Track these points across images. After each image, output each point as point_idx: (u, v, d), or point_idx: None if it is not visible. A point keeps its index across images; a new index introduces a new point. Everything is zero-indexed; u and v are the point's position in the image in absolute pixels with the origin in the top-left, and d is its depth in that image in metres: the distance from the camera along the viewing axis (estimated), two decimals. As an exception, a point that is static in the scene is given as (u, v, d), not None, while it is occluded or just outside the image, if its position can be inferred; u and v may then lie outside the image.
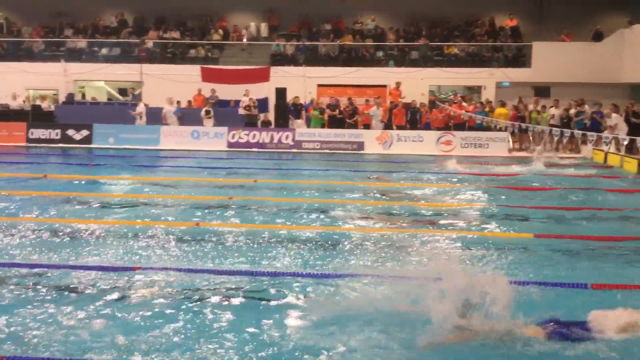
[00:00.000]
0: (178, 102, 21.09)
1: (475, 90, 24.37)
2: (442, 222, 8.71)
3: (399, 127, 20.49)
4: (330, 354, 4.15)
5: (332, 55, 24.41)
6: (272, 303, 5.22)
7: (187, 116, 20.88)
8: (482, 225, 8.58)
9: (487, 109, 20.58)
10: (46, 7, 26.13)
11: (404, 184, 12.29)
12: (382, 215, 9.09)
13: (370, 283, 5.58)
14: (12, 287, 5.51)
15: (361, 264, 6.45)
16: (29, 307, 5.02)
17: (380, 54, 24.66)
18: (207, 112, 20.49)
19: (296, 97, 21.77)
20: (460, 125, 20.47)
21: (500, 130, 19.28)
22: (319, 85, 23.49)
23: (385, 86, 23.03)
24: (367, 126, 20.74)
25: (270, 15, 26.62)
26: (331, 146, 19.73)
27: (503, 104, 20.62)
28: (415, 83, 22.85)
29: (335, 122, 20.94)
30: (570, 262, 6.62)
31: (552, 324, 4.34)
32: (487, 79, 23.53)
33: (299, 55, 24.65)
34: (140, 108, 20.81)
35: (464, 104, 21.51)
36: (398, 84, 22.13)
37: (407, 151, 18.90)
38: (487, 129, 19.84)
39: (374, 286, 5.46)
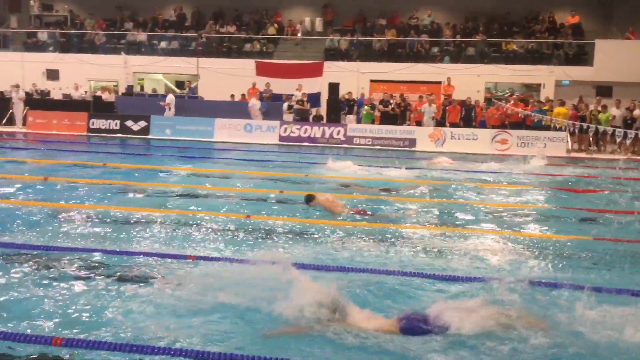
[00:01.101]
0: (263, 97, 21.25)
1: (533, 88, 23.69)
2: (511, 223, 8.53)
3: (453, 125, 20.16)
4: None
5: (386, 51, 24.21)
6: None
7: (241, 109, 21.14)
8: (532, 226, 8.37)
9: (545, 108, 19.98)
10: (109, 1, 26.95)
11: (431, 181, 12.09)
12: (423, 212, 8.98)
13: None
14: (71, 271, 5.73)
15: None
16: (89, 291, 5.22)
17: (435, 49, 24.30)
18: (290, 107, 20.81)
19: (349, 92, 21.73)
20: (517, 124, 19.96)
21: (559, 129, 18.70)
22: (372, 81, 23.36)
23: (439, 83, 22.68)
24: (419, 123, 20.50)
25: (326, 10, 26.62)
26: (382, 142, 19.61)
27: (562, 103, 19.96)
28: (471, 80, 22.42)
29: (387, 119, 20.78)
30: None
31: (406, 317, 4.38)
32: (547, 77, 22.85)
33: (353, 51, 24.57)
34: (169, 99, 21.21)
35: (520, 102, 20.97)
36: (449, 80, 21.78)
37: (460, 149, 18.56)
38: (545, 128, 19.28)
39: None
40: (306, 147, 19.23)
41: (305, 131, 20.19)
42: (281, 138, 20.13)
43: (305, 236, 7.36)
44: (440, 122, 20.37)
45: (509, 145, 18.91)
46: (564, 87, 22.71)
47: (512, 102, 20.76)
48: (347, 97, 21.68)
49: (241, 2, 26.55)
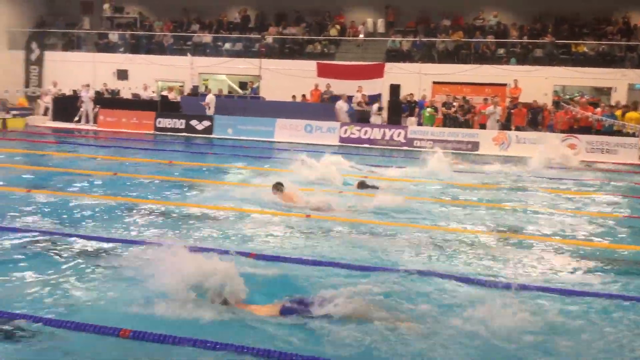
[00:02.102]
0: (349, 99, 21.31)
1: (604, 91, 22.69)
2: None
3: (518, 128, 19.60)
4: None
5: (449, 52, 23.80)
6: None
7: (301, 110, 21.27)
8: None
9: (617, 112, 19.12)
10: (176, 3, 27.72)
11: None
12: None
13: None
14: (134, 264, 5.89)
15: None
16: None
17: (501, 51, 23.69)
18: (380, 109, 20.78)
19: (410, 94, 21.50)
20: (586, 129, 19.18)
21: (631, 135, 17.86)
22: (434, 83, 23.00)
23: (504, 85, 22.09)
24: (483, 126, 20.04)
25: (388, 11, 26.44)
26: (444, 145, 19.24)
27: (635, 107, 19.05)
28: (538, 82, 21.70)
29: (450, 121, 20.43)
30: None
31: (287, 301, 4.74)
32: (618, 80, 21.82)
33: (415, 52, 24.29)
34: (209, 99, 21.60)
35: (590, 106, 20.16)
36: (515, 82, 21.18)
37: (526, 153, 17.95)
38: (616, 133, 18.45)
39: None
40: (366, 148, 19.14)
41: (365, 133, 20.11)
42: (341, 139, 20.12)
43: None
44: (505, 126, 19.84)
45: (577, 150, 18.21)
46: (637, 91, 21.65)
47: (581, 105, 19.99)
48: (408, 98, 21.45)
49: (304, 4, 26.73)
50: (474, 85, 22.70)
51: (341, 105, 20.72)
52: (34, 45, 26.34)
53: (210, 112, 21.51)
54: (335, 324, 4.45)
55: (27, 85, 26.06)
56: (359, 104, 21.15)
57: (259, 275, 5.55)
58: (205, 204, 8.83)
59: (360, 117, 21.06)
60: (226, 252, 5.92)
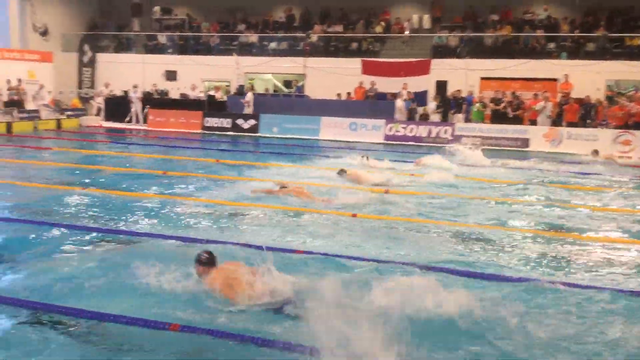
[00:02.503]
0: (408, 94, 21.16)
1: (660, 85, 21.79)
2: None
3: (570, 124, 19.02)
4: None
5: (498, 47, 23.29)
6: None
7: (346, 108, 21.25)
8: None
9: (675, 107, 18.31)
10: (223, 4, 28.09)
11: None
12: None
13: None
14: (182, 260, 5.99)
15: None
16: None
17: (551, 45, 23.03)
18: (438, 107, 20.57)
19: (457, 90, 21.16)
20: (642, 124, 18.45)
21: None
22: (482, 78, 22.54)
23: (555, 80, 21.46)
24: (533, 122, 19.54)
25: (434, 7, 26.09)
26: (492, 142, 18.91)
27: (696, 102, 18.22)
28: (590, 77, 20.97)
29: (499, 117, 20.00)
30: None
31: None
32: (675, 74, 20.90)
33: (462, 47, 23.88)
34: (248, 97, 21.95)
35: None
36: (566, 77, 20.54)
37: (578, 150, 17.43)
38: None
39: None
40: (412, 146, 18.94)
41: (411, 130, 19.92)
42: (386, 137, 19.99)
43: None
44: (556, 122, 19.29)
45: (632, 146, 17.54)
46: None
47: (636, 100, 19.23)
48: (455, 95, 21.11)
49: (348, 2, 26.66)
50: (523, 81, 22.14)
51: (400, 103, 20.53)
52: (86, 48, 27.16)
53: (249, 110, 21.80)
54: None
55: (80, 86, 26.91)
56: (404, 101, 20.95)
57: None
58: (249, 202, 8.92)
59: (406, 115, 20.83)
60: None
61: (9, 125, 19.70)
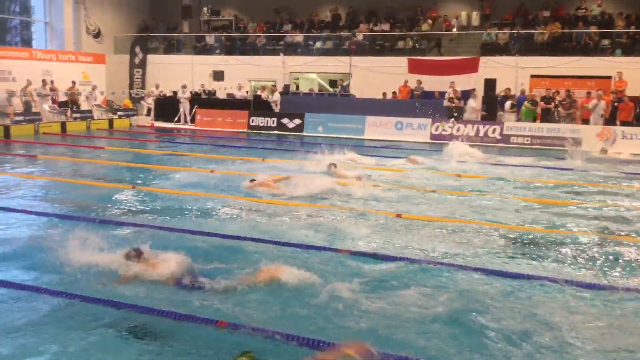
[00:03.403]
0: (455, 92, 20.86)
1: None
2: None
3: (624, 123, 18.33)
4: None
5: (549, 44, 22.66)
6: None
7: (392, 107, 21.09)
8: None
9: None
10: (269, 4, 28.33)
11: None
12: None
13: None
14: (227, 258, 6.04)
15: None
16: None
17: (605, 42, 22.25)
18: (512, 106, 19.94)
19: (507, 88, 20.71)
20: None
21: None
22: (533, 76, 21.98)
23: (609, 78, 20.72)
24: (585, 121, 18.93)
25: (483, 4, 25.62)
26: (542, 142, 18.41)
27: None
28: (648, 74, 20.18)
29: (550, 116, 19.45)
30: None
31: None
32: None
33: (512, 45, 23.35)
34: (275, 97, 22.42)
35: None
36: (620, 75, 19.79)
37: (634, 150, 16.78)
38: None
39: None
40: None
41: (458, 129, 19.60)
42: (432, 136, 19.74)
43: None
44: (609, 121, 18.63)
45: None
46: None
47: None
48: (504, 93, 20.66)
49: (395, 0, 26.47)
50: (575, 79, 21.48)
51: (472, 104, 20.22)
52: (137, 49, 27.86)
53: (276, 109, 22.30)
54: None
55: (131, 87, 27.63)
56: (450, 99, 20.63)
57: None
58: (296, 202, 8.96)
59: (452, 114, 20.51)
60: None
61: (63, 125, 20.40)
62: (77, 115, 21.74)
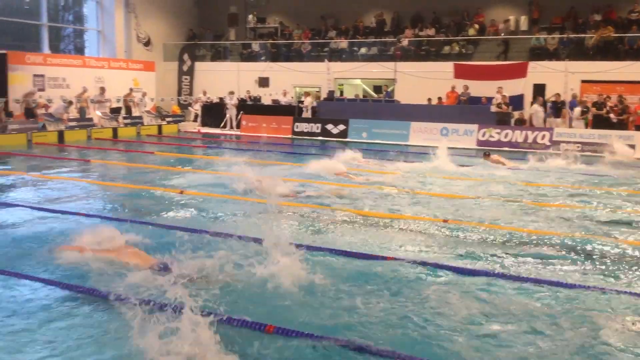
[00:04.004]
0: (503, 98, 20.49)
1: None
2: None
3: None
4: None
5: (600, 48, 22.01)
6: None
7: (437, 113, 20.88)
8: None
9: None
10: (315, 11, 28.51)
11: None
12: None
13: None
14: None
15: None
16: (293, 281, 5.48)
17: (661, 45, 21.47)
18: (583, 112, 19.25)
19: (556, 94, 20.22)
20: None
21: None
22: (583, 81, 21.39)
23: (665, 82, 19.98)
24: (639, 127, 18.30)
25: (532, 8, 25.11)
26: (594, 148, 17.87)
27: None
28: None
29: (601, 122, 18.89)
30: None
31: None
32: None
33: (562, 49, 22.79)
34: (307, 102, 22.93)
35: None
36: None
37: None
38: None
39: None
40: (506, 152, 18.27)
41: (506, 135, 19.25)
42: (479, 142, 19.44)
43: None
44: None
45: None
46: None
47: None
48: (553, 99, 20.18)
49: (441, 5, 26.24)
50: (628, 84, 20.79)
51: (537, 109, 19.87)
52: (185, 57, 28.48)
53: (307, 114, 22.86)
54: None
55: (179, 93, 28.25)
56: (498, 105, 20.28)
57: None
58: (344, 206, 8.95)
59: (500, 119, 20.17)
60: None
61: (114, 131, 21.01)
62: (128, 121, 22.34)
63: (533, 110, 19.77)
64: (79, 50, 27.61)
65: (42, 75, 21.64)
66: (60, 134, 18.92)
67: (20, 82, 20.81)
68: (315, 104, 23.74)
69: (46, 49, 24.48)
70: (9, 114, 19.65)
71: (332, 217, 8.39)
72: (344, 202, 9.39)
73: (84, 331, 4.43)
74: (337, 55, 26.28)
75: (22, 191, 10.14)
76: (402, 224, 8.02)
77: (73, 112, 21.17)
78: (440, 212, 8.77)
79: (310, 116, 22.94)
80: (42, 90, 21.21)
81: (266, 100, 25.39)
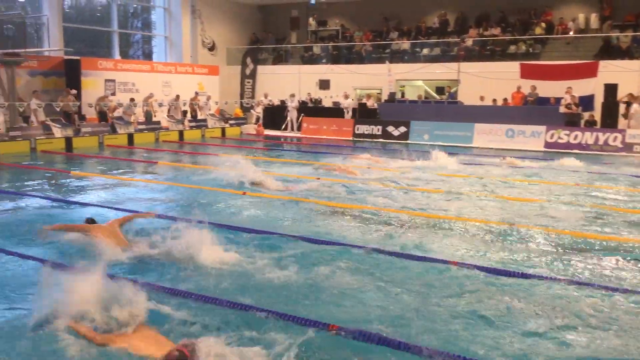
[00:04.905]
0: (572, 99, 19.63)
1: None
2: None
3: None
4: None
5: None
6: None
7: (503, 114, 20.34)
8: None
9: None
10: (376, 13, 28.40)
11: None
12: None
13: None
14: (340, 264, 6.05)
15: None
16: (361, 285, 5.46)
17: None
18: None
19: (629, 94, 19.30)
20: None
21: None
22: (660, 81, 20.33)
23: None
24: None
25: (603, 5, 24.10)
26: (670, 151, 16.96)
27: None
28: None
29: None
30: None
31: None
32: None
33: (635, 48, 21.74)
34: (347, 103, 23.20)
35: None
36: None
37: None
38: None
39: None
40: (575, 154, 17.58)
41: (575, 137, 18.52)
42: (547, 144, 18.80)
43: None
44: None
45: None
46: None
47: None
48: (627, 99, 19.25)
49: (507, 3, 25.58)
50: None
51: (638, 110, 19.06)
52: (248, 61, 28.98)
53: (348, 115, 23.12)
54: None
55: (242, 96, 28.77)
56: (567, 106, 19.54)
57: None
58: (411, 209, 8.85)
59: (569, 120, 19.44)
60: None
61: (180, 133, 21.61)
62: (193, 124, 22.94)
63: (633, 111, 18.65)
64: (147, 55, 28.60)
65: (113, 80, 22.55)
66: (130, 137, 19.63)
67: (92, 86, 21.76)
68: (375, 105, 23.63)
69: (117, 55, 25.48)
70: (82, 117, 20.58)
71: (403, 221, 8.30)
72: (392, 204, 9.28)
73: None
74: (398, 57, 26.08)
75: (94, 191, 10.55)
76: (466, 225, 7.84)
77: (140, 116, 21.93)
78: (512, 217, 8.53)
79: (350, 117, 22.94)
80: (113, 94, 22.09)
81: (327, 103, 25.48)
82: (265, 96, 26.44)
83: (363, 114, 23.10)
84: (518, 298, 5.17)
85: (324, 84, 26.71)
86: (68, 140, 17.85)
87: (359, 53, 27.53)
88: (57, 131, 18.08)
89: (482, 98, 21.74)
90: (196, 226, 6.39)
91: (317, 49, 28.88)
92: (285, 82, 26.89)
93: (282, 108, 25.05)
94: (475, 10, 26.49)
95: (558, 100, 19.99)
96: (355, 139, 21.88)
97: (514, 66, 21.76)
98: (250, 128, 25.06)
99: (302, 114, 23.97)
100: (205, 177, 11.89)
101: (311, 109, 24.61)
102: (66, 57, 21.88)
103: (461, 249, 6.80)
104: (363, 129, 22.15)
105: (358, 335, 4.28)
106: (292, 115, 24.31)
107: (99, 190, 10.69)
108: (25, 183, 11.46)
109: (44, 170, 13.36)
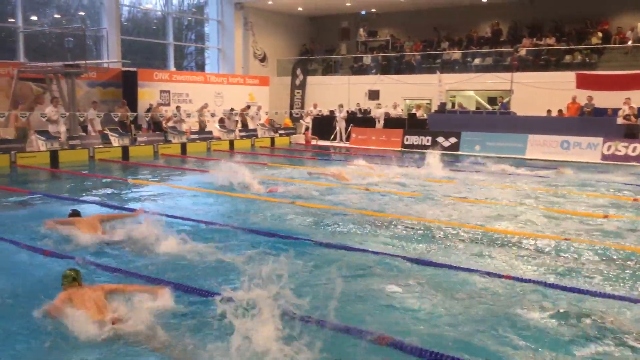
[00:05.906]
0: (631, 109, 19.26)
1: None
2: None
3: None
4: None
5: None
6: None
7: (558, 125, 19.84)
8: None
9: None
10: (426, 23, 28.25)
11: None
12: None
13: None
14: (384, 274, 6.04)
15: None
16: (407, 296, 5.43)
17: None
18: None
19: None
20: None
21: None
22: None
23: None
24: None
25: (664, 13, 23.26)
26: None
27: None
28: None
29: None
30: None
31: None
32: None
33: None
34: (379, 113, 23.27)
35: None
36: None
37: None
38: None
39: None
40: (635, 167, 16.99)
41: (634, 149, 17.88)
42: (604, 157, 18.22)
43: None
44: None
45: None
46: None
47: None
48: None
49: (562, 13, 25.00)
50: None
51: None
52: (298, 71, 29.28)
53: (379, 125, 23.19)
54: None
55: (291, 107, 29.07)
56: (625, 117, 18.89)
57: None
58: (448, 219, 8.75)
59: (627, 132, 18.78)
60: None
61: (231, 143, 22.01)
62: (244, 133, 23.31)
63: None
64: (200, 67, 29.30)
65: (168, 91, 23.20)
66: (183, 146, 20.12)
67: (148, 97, 22.45)
68: (425, 115, 23.44)
69: (172, 67, 26.22)
70: (138, 127, 21.24)
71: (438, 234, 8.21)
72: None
73: None
74: (449, 67, 25.83)
75: (149, 199, 10.85)
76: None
77: (195, 125, 22.46)
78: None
79: (382, 127, 23.08)
80: (167, 105, 22.71)
81: (376, 113, 25.42)
82: (315, 106, 26.64)
83: (412, 124, 22.95)
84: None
85: (374, 95, 26.70)
86: (125, 149, 18.45)
87: (409, 63, 27.41)
88: (115, 140, 18.72)
89: (549, 112, 21.13)
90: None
91: (366, 59, 28.93)
92: (335, 93, 27.01)
93: (330, 118, 25.17)
94: (528, 20, 26.01)
95: (615, 111, 19.38)
96: (404, 149, 21.74)
97: (569, 76, 21.20)
98: (300, 138, 25.28)
99: (351, 124, 24.01)
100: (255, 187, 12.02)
101: (360, 120, 24.63)
102: (124, 68, 22.66)
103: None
104: (412, 139, 22.00)
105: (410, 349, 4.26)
106: (340, 125, 24.40)
107: (156, 197, 10.98)
108: (85, 191, 11.89)
109: (102, 177, 13.83)
